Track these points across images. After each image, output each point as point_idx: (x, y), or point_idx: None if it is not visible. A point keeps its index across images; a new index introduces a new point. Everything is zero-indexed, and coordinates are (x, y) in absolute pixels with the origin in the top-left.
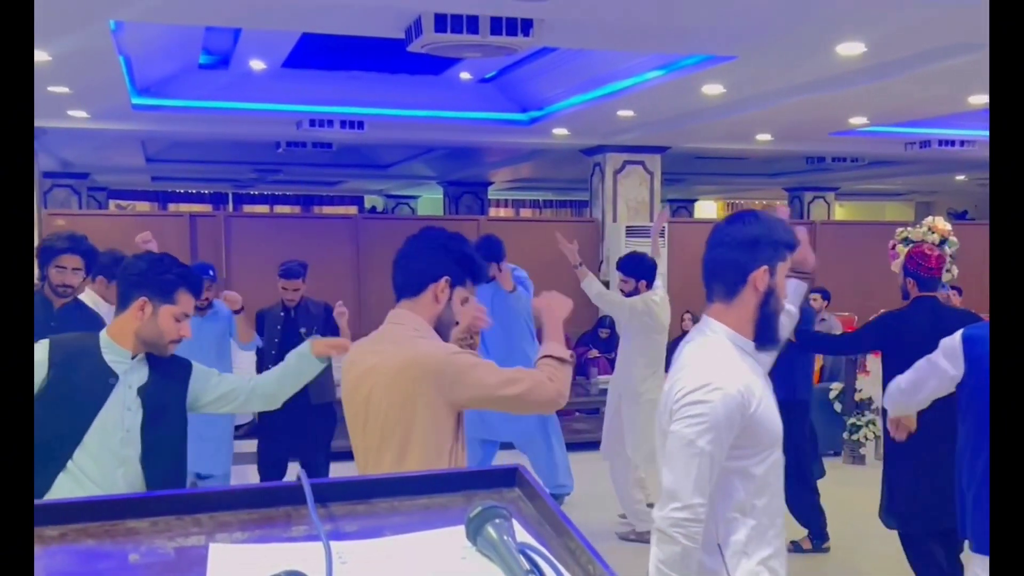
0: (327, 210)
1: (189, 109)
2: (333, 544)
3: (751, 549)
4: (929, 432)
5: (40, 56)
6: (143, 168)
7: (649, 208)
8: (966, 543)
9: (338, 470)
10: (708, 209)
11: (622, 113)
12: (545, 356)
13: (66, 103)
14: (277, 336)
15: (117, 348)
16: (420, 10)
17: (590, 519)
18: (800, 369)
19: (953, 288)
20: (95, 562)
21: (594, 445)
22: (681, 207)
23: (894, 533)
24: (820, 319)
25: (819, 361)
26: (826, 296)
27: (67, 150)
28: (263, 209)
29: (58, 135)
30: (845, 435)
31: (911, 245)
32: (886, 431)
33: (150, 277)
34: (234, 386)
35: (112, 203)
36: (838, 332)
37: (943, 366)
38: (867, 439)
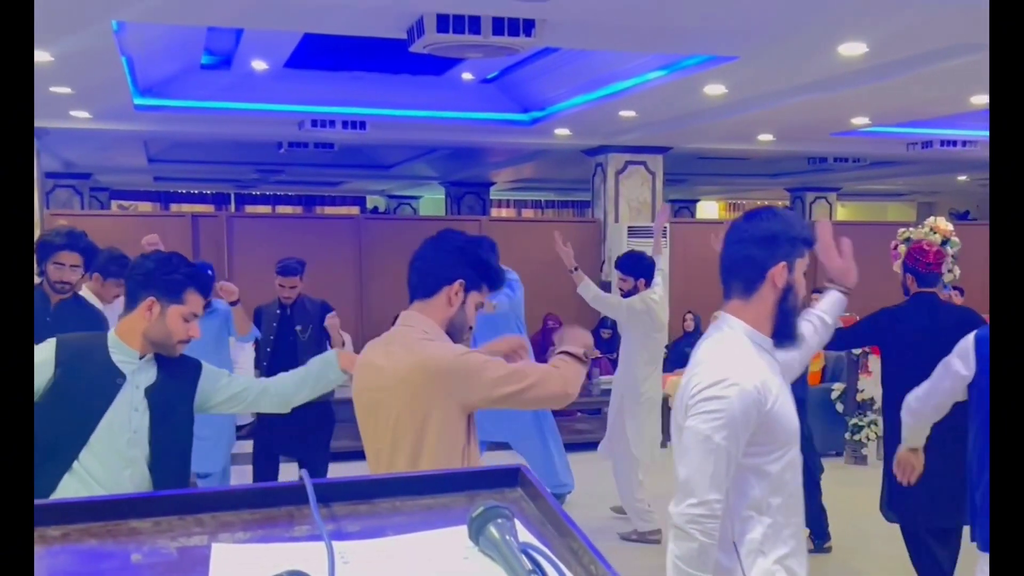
0: (329, 210)
1: (191, 109)
2: (335, 544)
3: (767, 548)
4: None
5: (42, 56)
6: (145, 168)
7: (651, 208)
8: (974, 543)
9: (338, 470)
10: (710, 209)
11: (624, 113)
12: (560, 352)
13: (68, 103)
14: (273, 333)
15: (125, 348)
16: (422, 10)
17: (592, 519)
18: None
19: (955, 288)
20: (97, 562)
21: (595, 445)
22: (683, 207)
23: (896, 533)
24: None
25: (820, 361)
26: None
27: (69, 150)
28: (265, 209)
29: (60, 135)
30: (847, 435)
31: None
32: (886, 431)
33: (158, 277)
34: (245, 386)
35: (114, 203)
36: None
37: (956, 367)
38: (869, 439)
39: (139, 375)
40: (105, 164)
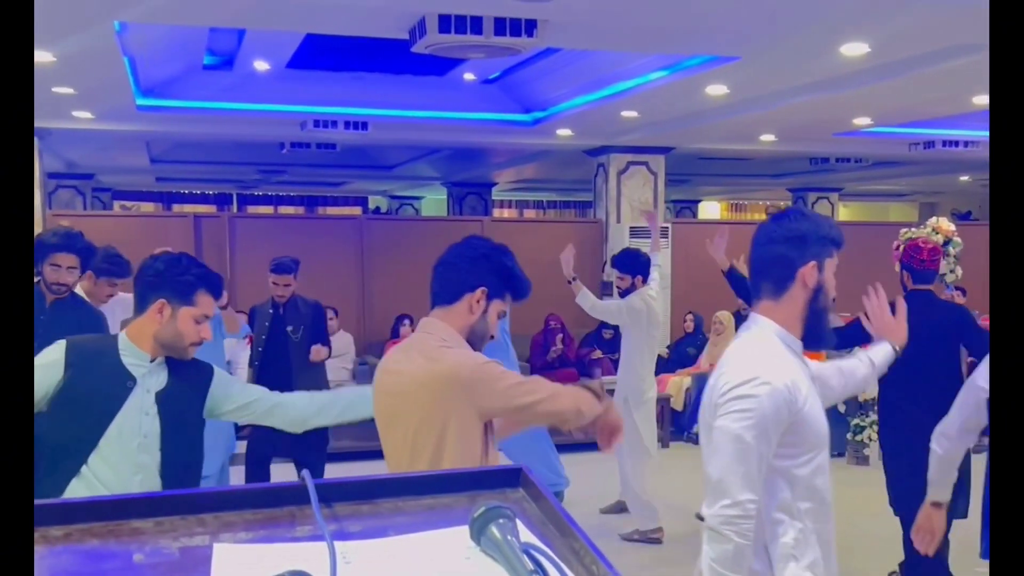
0: (331, 211)
1: (193, 110)
2: (337, 544)
3: (799, 552)
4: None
5: (45, 57)
6: (147, 169)
7: (653, 209)
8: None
9: (338, 471)
10: (712, 210)
11: (626, 114)
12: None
13: (71, 104)
14: (265, 333)
15: (136, 350)
16: (424, 11)
17: (593, 519)
18: None
19: (957, 288)
20: (100, 562)
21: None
22: (685, 208)
23: (899, 534)
24: None
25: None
26: None
27: (72, 151)
28: (267, 210)
29: (63, 136)
30: (849, 436)
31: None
32: (881, 428)
33: (168, 278)
34: (257, 397)
35: (117, 204)
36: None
37: (979, 383)
38: (871, 440)
39: (150, 379)
40: (107, 165)
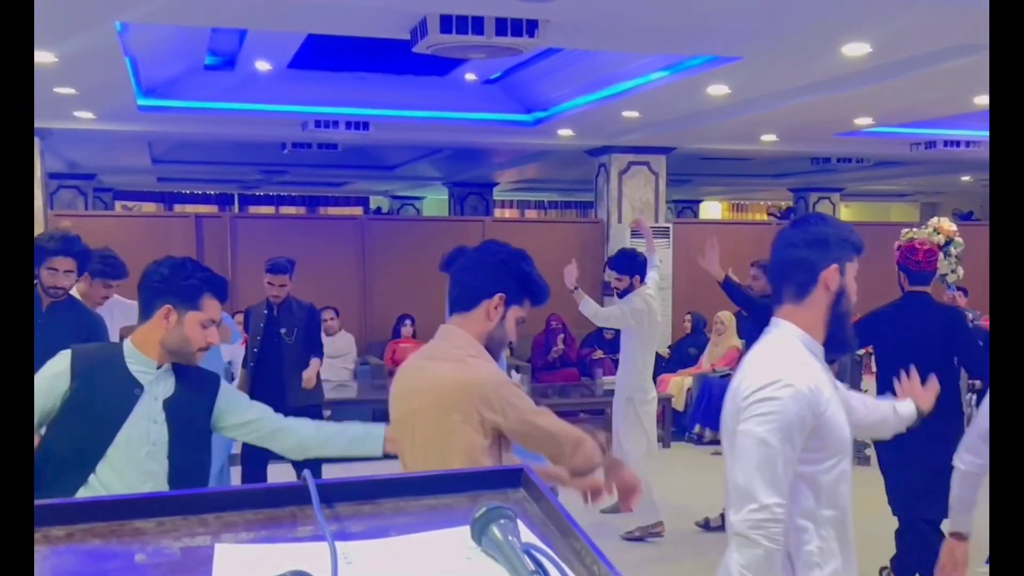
0: (332, 211)
1: (195, 110)
2: (338, 544)
3: (823, 560)
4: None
5: (46, 57)
6: (149, 169)
7: (654, 209)
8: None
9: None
10: (713, 210)
11: (627, 114)
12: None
13: (72, 104)
14: (260, 334)
15: (142, 357)
16: (425, 11)
17: (594, 519)
18: None
19: (959, 289)
20: (101, 562)
21: None
22: (686, 208)
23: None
24: None
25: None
26: None
27: (73, 151)
28: (268, 210)
29: (64, 136)
30: None
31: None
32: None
33: (173, 283)
34: (261, 416)
35: (118, 204)
36: None
37: None
38: (871, 440)
39: (157, 386)
40: (109, 165)
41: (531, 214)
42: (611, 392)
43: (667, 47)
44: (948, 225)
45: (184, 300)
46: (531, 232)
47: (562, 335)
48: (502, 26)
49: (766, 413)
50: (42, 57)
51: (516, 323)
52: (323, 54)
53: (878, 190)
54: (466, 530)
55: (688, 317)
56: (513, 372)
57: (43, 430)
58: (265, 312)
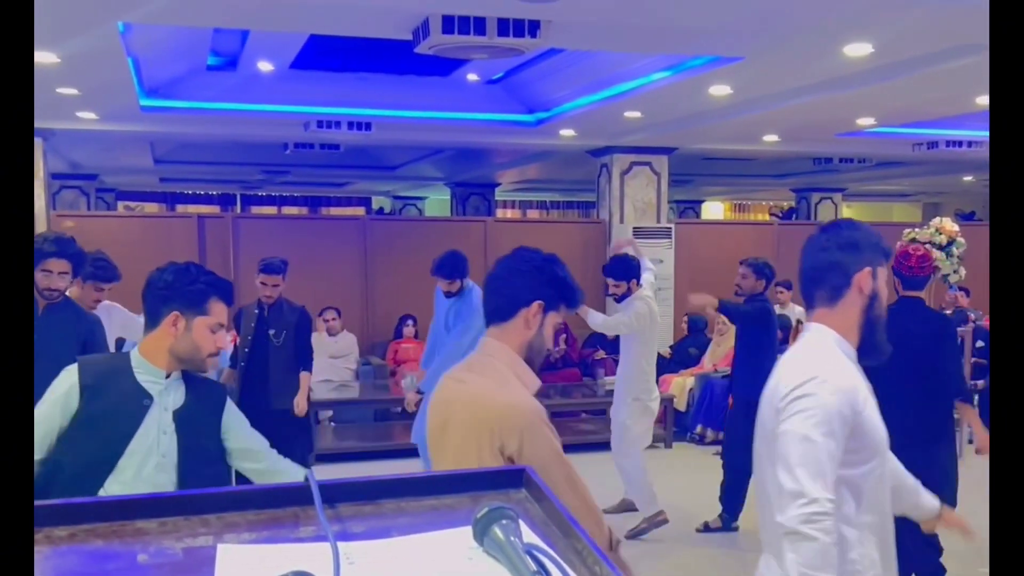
0: (335, 211)
1: (197, 111)
2: (340, 545)
3: (864, 569)
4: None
5: (49, 58)
6: (151, 169)
7: (656, 209)
8: None
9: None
10: (715, 210)
11: (629, 114)
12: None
13: (75, 104)
14: (251, 334)
15: (150, 367)
16: (427, 12)
17: None
18: (764, 368)
19: (961, 289)
20: (104, 562)
21: (600, 446)
22: (688, 208)
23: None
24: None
25: None
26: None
27: (76, 151)
28: (271, 210)
29: (67, 136)
30: None
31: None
32: None
33: (179, 289)
34: (261, 449)
35: (121, 204)
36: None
37: None
38: None
39: (166, 396)
40: (111, 165)
41: (533, 214)
42: (611, 392)
43: (669, 47)
44: (950, 225)
45: (191, 305)
46: (533, 232)
47: (564, 335)
48: (504, 26)
49: (805, 409)
50: (45, 57)
51: (554, 330)
52: (325, 54)
53: (880, 190)
54: (468, 530)
55: (685, 318)
56: None
57: (52, 444)
58: (256, 312)
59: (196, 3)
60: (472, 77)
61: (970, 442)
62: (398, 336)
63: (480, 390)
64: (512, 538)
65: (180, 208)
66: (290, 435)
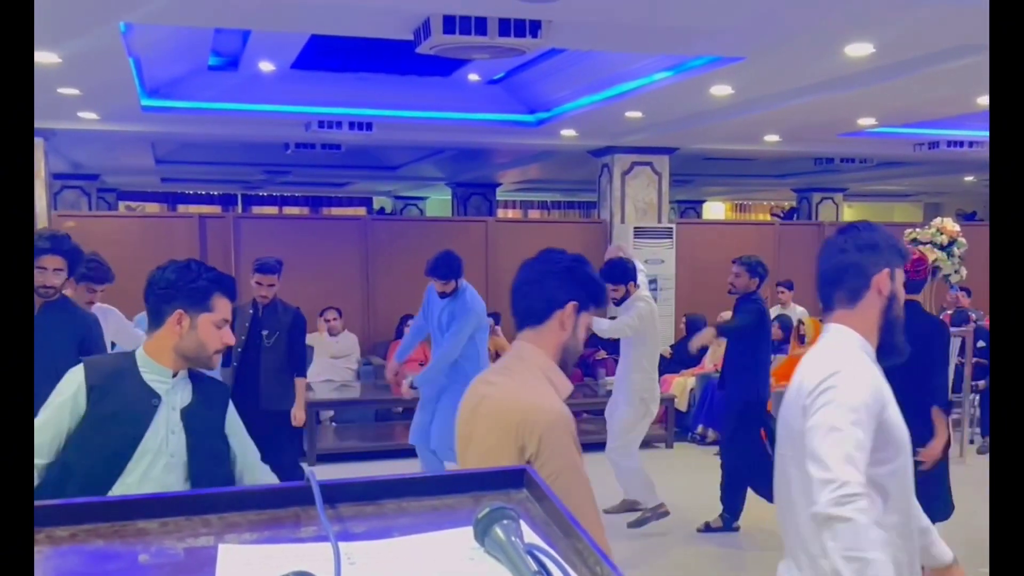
0: (336, 211)
1: (198, 111)
2: (341, 545)
3: (886, 570)
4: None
5: (50, 58)
6: (153, 169)
7: (657, 209)
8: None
9: (335, 471)
10: (716, 210)
11: (630, 114)
12: None
13: (76, 105)
14: (244, 334)
15: (156, 366)
16: (429, 12)
17: None
18: (760, 368)
19: (962, 289)
20: (105, 562)
21: (601, 446)
22: (689, 208)
23: None
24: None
25: None
26: (790, 287)
27: (77, 152)
28: (272, 210)
29: (68, 137)
30: None
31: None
32: None
33: (181, 287)
34: (246, 454)
35: (122, 204)
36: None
37: None
38: None
39: (173, 395)
40: (113, 165)
41: (534, 214)
42: (611, 392)
43: (670, 47)
44: (951, 225)
45: (195, 303)
46: (534, 233)
47: None
48: (505, 27)
49: (832, 401)
50: (46, 58)
51: (585, 330)
52: (326, 55)
53: (881, 190)
54: (469, 531)
55: (683, 319)
56: None
57: (60, 447)
58: (251, 312)
59: (197, 3)
60: (473, 77)
61: (971, 442)
62: (399, 336)
63: (508, 392)
64: (513, 538)
65: (181, 208)
66: (279, 437)
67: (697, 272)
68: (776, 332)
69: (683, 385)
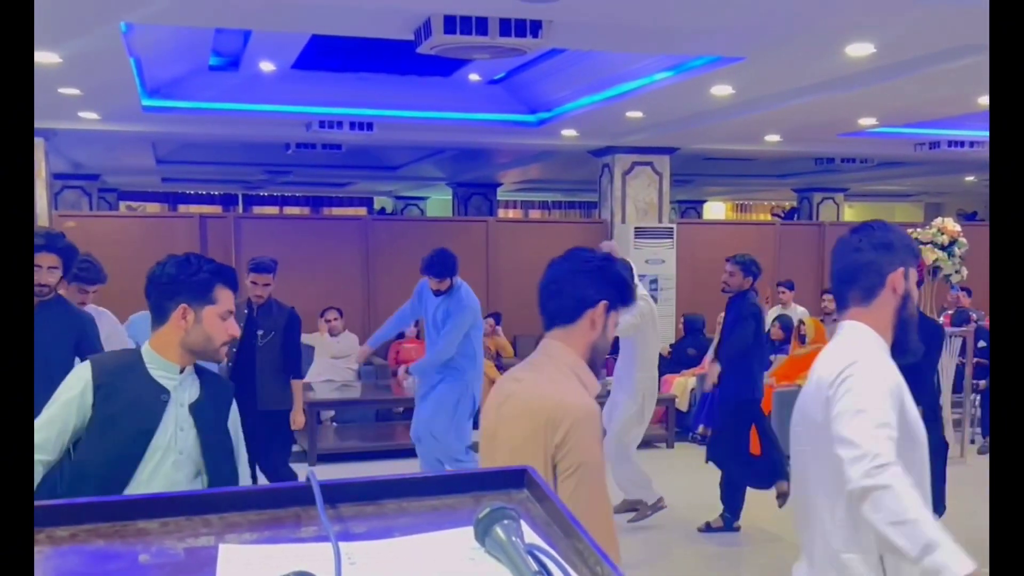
0: (336, 211)
1: (199, 111)
2: (342, 545)
3: (910, 566)
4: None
5: (51, 58)
6: (153, 169)
7: (657, 209)
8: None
9: (334, 471)
10: (717, 210)
11: (631, 114)
12: None
13: (77, 105)
14: (239, 334)
15: (163, 361)
16: (429, 12)
17: None
18: (753, 366)
19: (963, 289)
20: (105, 562)
21: None
22: (690, 208)
23: None
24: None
25: None
26: (790, 287)
27: (78, 152)
28: (273, 210)
29: (69, 137)
30: None
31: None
32: None
33: (183, 281)
34: (240, 453)
35: (123, 204)
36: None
37: None
38: None
39: (182, 391)
40: (113, 165)
41: (535, 214)
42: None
43: (671, 47)
44: (952, 225)
45: (198, 296)
46: (535, 233)
47: None
48: (506, 27)
49: (854, 387)
50: (47, 58)
51: (613, 329)
52: (327, 55)
53: (882, 190)
54: (469, 531)
55: (681, 319)
56: None
57: (66, 445)
58: (245, 312)
59: (198, 3)
60: (474, 77)
61: (971, 442)
62: (399, 336)
63: (538, 387)
64: (514, 538)
65: (182, 208)
66: (274, 437)
67: (698, 272)
68: (776, 332)
69: (684, 385)
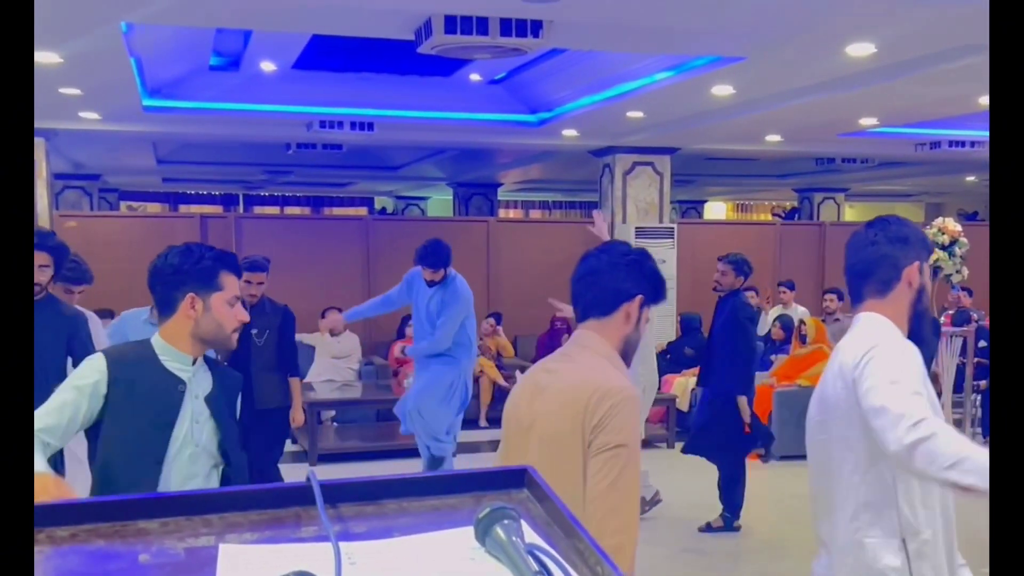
0: (337, 211)
1: (200, 111)
2: (342, 545)
3: (931, 550)
4: None
5: (52, 58)
6: (154, 169)
7: (659, 210)
8: None
9: (333, 471)
10: (717, 210)
11: (631, 114)
12: None
13: (77, 105)
14: None
15: (176, 352)
16: (430, 12)
17: None
18: (742, 366)
19: (963, 289)
20: (105, 562)
21: None
22: (690, 208)
23: None
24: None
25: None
26: (791, 287)
27: (78, 152)
28: (273, 210)
29: (69, 137)
30: None
31: None
32: None
33: (187, 270)
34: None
35: (123, 204)
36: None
37: None
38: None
39: (195, 383)
40: (114, 165)
41: (535, 214)
42: None
43: (672, 47)
44: (953, 225)
45: (204, 284)
46: (535, 233)
47: (566, 334)
48: (507, 27)
49: (879, 365)
50: (47, 58)
51: (646, 324)
52: (328, 55)
53: (883, 190)
54: (469, 531)
55: (678, 318)
56: (518, 372)
57: (73, 433)
58: None
59: (198, 3)
60: (475, 77)
61: None
62: (400, 336)
63: (576, 374)
64: (514, 538)
65: (183, 208)
66: (271, 436)
67: (698, 272)
68: (777, 332)
69: (684, 385)
